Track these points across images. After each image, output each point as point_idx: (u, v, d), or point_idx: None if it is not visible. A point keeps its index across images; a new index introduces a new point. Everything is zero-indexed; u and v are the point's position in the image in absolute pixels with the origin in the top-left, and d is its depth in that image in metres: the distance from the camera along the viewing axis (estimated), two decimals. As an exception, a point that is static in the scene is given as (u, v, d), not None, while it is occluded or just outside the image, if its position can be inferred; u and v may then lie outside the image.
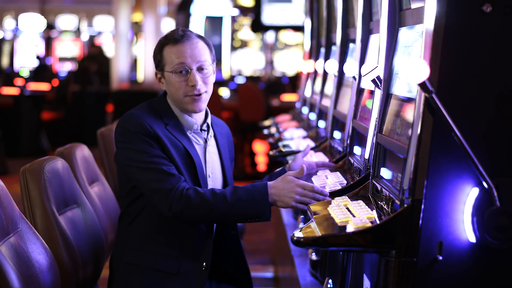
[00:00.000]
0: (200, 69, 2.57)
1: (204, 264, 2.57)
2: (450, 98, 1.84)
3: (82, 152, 3.13)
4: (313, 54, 5.11)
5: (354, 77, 2.94)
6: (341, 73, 3.53)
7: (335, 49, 3.74)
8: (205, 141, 2.68)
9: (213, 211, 2.45)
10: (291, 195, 2.43)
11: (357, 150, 2.76)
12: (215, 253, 2.70)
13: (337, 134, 3.37)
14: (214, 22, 14.79)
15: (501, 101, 1.86)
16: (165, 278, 2.54)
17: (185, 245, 2.57)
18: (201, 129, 2.66)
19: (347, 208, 2.09)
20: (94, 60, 12.92)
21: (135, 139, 2.51)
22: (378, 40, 2.42)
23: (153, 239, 2.57)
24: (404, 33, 2.26)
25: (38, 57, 16.53)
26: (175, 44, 2.57)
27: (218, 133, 2.75)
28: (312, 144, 3.82)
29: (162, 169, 2.48)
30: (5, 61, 17.79)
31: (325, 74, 4.33)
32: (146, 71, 11.46)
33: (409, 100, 2.06)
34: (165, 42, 2.60)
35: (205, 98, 2.60)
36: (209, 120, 2.69)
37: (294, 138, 4.22)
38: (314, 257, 3.22)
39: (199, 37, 2.60)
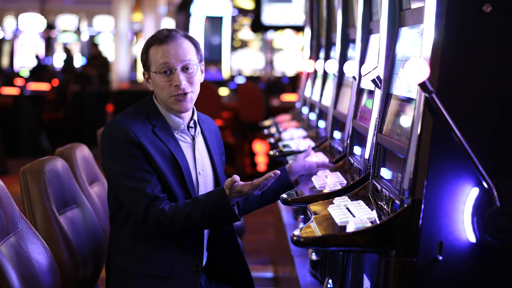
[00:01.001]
0: (185, 68, 2.56)
1: (196, 267, 2.57)
2: (450, 98, 1.84)
3: (82, 152, 3.13)
4: (313, 54, 5.11)
5: (354, 77, 2.94)
6: (341, 73, 3.53)
7: (335, 49, 3.74)
8: (193, 138, 2.67)
9: (185, 229, 2.50)
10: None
11: (357, 150, 2.76)
12: (211, 252, 2.69)
13: (337, 134, 3.37)
14: (214, 22, 14.80)
15: (501, 101, 1.86)
16: (157, 282, 2.53)
17: (176, 248, 2.56)
18: (188, 127, 2.66)
19: (347, 208, 2.08)
20: (95, 62, 12.85)
21: (119, 149, 2.51)
22: (378, 40, 2.42)
23: (142, 244, 2.56)
24: (404, 33, 2.26)
25: (37, 57, 16.52)
26: (160, 45, 2.55)
27: (205, 129, 2.74)
28: (312, 144, 3.82)
29: (140, 187, 2.48)
30: (5, 61, 17.80)
31: (325, 74, 4.33)
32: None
33: (409, 100, 2.06)
34: (150, 43, 2.59)
35: (191, 97, 2.59)
36: (195, 117, 2.68)
37: (294, 138, 4.22)
38: (314, 257, 3.21)
39: (185, 36, 2.59)
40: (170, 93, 2.55)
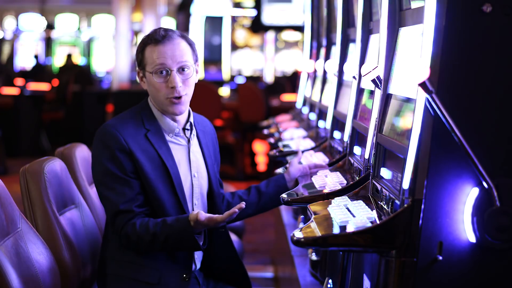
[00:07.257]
0: (181, 69, 2.54)
1: (186, 275, 2.57)
2: (450, 98, 1.84)
3: (82, 152, 3.13)
4: (313, 54, 5.11)
5: (354, 77, 2.94)
6: (341, 73, 3.53)
7: (335, 49, 3.74)
8: (188, 141, 2.66)
9: (150, 247, 2.51)
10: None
11: (357, 150, 2.76)
12: (206, 252, 2.68)
13: (337, 134, 3.37)
14: (214, 22, 14.80)
15: (501, 101, 1.86)
16: None
17: (166, 256, 2.56)
18: (184, 129, 2.65)
19: (347, 208, 2.09)
20: (71, 73, 12.59)
21: (107, 156, 2.52)
22: (378, 40, 2.42)
23: (133, 250, 2.57)
24: (404, 33, 2.26)
25: (36, 57, 16.48)
26: (156, 45, 2.53)
27: (200, 131, 2.72)
28: (312, 144, 3.82)
29: (116, 201, 2.50)
30: (5, 61, 17.80)
31: (325, 74, 4.33)
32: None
33: (409, 100, 2.06)
34: (146, 42, 2.56)
35: (186, 100, 2.57)
36: (191, 119, 2.67)
37: (294, 138, 4.22)
38: (314, 257, 3.22)
39: (182, 36, 2.57)
40: (166, 95, 2.54)
